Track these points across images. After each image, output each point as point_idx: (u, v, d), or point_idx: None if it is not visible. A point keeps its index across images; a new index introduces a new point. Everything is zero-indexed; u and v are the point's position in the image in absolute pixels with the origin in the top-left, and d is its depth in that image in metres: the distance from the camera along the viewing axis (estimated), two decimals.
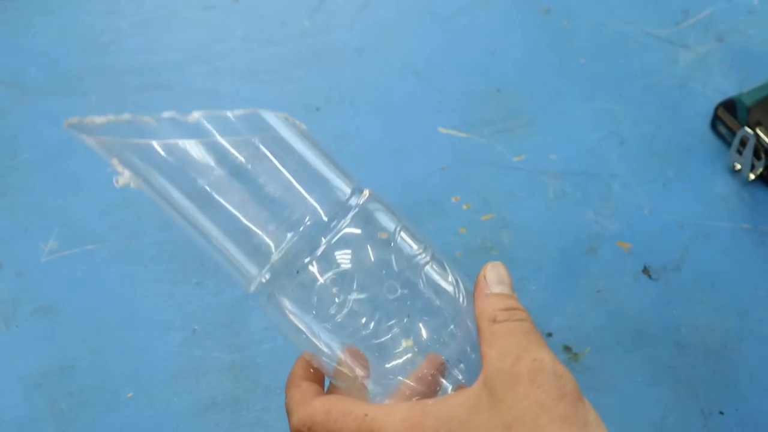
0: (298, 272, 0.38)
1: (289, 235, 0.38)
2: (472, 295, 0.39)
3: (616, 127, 0.71)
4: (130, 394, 0.57)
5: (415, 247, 0.40)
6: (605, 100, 0.73)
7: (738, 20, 0.78)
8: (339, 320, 0.38)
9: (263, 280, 0.39)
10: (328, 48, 0.77)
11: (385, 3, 0.81)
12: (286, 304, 0.39)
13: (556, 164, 0.69)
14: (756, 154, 0.66)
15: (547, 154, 0.70)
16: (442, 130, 0.71)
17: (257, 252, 0.38)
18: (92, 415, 0.56)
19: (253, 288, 0.39)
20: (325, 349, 0.39)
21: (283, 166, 0.38)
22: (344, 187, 0.39)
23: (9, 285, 0.62)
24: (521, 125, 0.71)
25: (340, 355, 0.39)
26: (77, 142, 0.77)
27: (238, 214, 0.37)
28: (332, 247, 0.38)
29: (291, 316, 0.39)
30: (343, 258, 0.38)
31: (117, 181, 0.38)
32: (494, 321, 0.37)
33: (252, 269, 0.38)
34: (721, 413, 0.56)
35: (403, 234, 0.40)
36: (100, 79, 0.75)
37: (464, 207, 0.66)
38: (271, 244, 0.38)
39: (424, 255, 0.40)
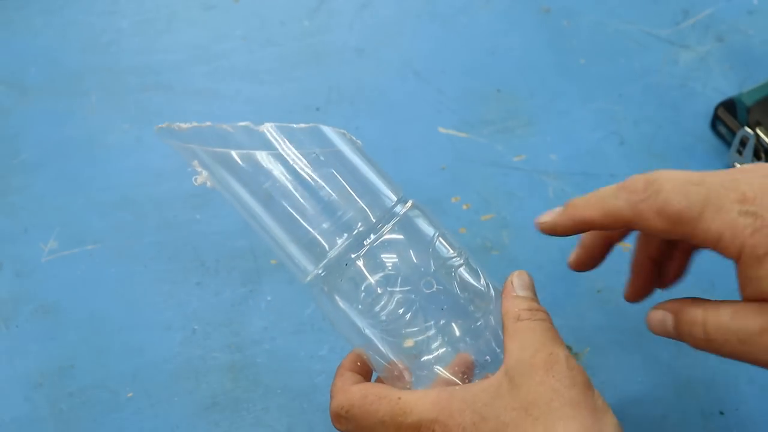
0: (345, 267, 0.43)
1: (342, 236, 0.43)
2: (500, 295, 0.44)
3: (616, 127, 0.71)
4: (130, 394, 0.57)
5: (450, 251, 0.44)
6: (605, 100, 0.73)
7: (738, 20, 0.78)
8: (380, 313, 0.43)
9: (318, 274, 0.44)
10: (328, 48, 0.77)
11: (385, 3, 0.81)
12: (335, 296, 0.43)
13: (556, 164, 0.69)
14: (756, 154, 0.66)
15: (547, 154, 0.70)
16: (442, 130, 0.71)
17: (314, 250, 0.43)
18: (92, 415, 0.56)
19: (307, 280, 0.44)
20: (369, 341, 0.43)
21: (340, 176, 0.43)
22: (391, 196, 0.44)
23: (9, 285, 0.62)
24: (521, 125, 0.72)
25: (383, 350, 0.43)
26: (77, 142, 0.77)
27: (299, 216, 0.43)
28: (376, 248, 0.43)
29: (339, 308, 0.44)
30: (386, 258, 0.43)
31: (195, 180, 0.43)
32: (518, 319, 0.41)
33: (308, 265, 0.43)
34: (721, 413, 0.56)
35: (440, 239, 0.45)
36: (100, 79, 0.75)
37: (464, 207, 0.66)
38: (326, 244, 0.43)
39: (458, 258, 0.44)
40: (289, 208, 0.43)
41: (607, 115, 0.72)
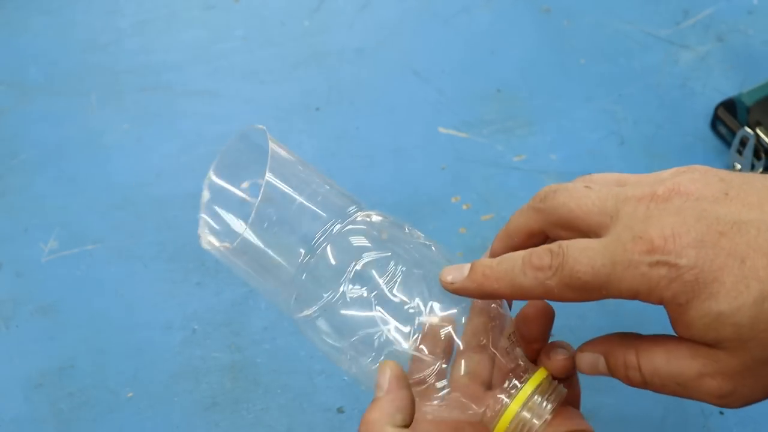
0: (333, 303, 0.41)
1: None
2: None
3: (616, 127, 0.71)
4: (130, 394, 0.57)
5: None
6: (605, 100, 0.73)
7: (738, 20, 0.78)
8: (364, 336, 0.41)
9: (309, 314, 0.42)
10: (328, 48, 0.77)
11: (385, 3, 0.81)
12: (323, 327, 0.41)
13: (556, 164, 0.69)
14: (756, 154, 0.66)
15: (547, 154, 0.70)
16: (442, 130, 0.71)
17: (296, 296, 0.41)
18: (92, 415, 0.56)
19: (300, 317, 0.42)
20: (358, 356, 0.41)
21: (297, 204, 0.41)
22: (350, 205, 0.43)
23: (9, 285, 0.62)
24: (521, 125, 0.71)
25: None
26: (77, 142, 0.77)
27: (268, 273, 0.42)
28: (358, 271, 0.41)
29: (336, 341, 0.42)
30: (374, 275, 0.41)
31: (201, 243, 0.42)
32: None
33: (295, 311, 0.42)
34: (721, 413, 0.56)
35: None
36: (100, 79, 0.75)
37: (464, 207, 0.66)
38: (309, 290, 0.41)
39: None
40: (257, 262, 0.41)
41: (607, 115, 0.72)
